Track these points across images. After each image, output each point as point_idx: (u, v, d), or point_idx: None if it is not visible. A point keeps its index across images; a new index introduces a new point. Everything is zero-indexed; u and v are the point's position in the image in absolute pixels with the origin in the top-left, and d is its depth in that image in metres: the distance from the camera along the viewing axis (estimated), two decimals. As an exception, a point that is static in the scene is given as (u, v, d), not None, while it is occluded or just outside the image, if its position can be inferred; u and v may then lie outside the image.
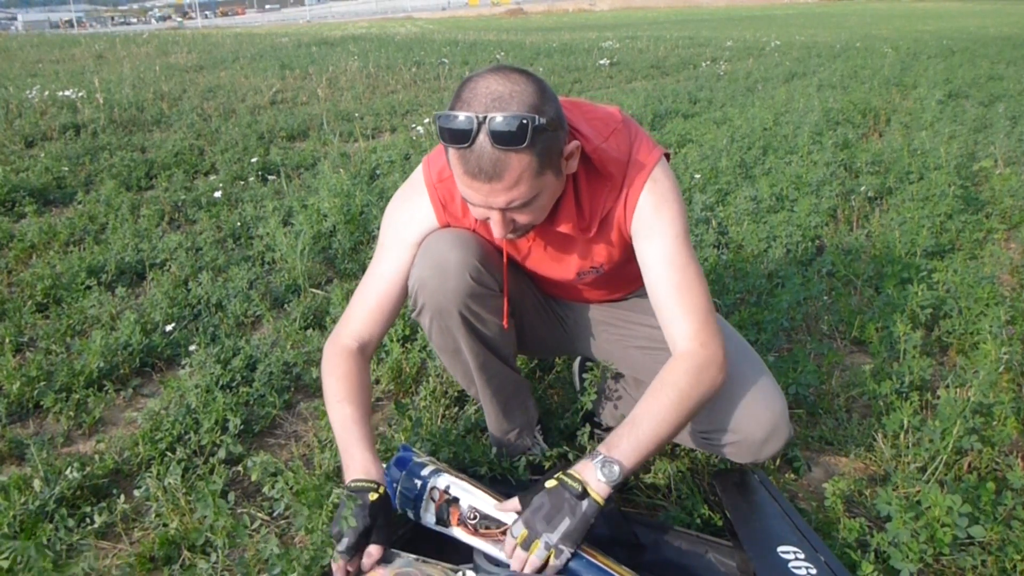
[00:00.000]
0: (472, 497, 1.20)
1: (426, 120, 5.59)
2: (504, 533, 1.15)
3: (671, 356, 1.23)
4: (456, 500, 1.20)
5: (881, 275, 2.55)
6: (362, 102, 6.87)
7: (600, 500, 1.11)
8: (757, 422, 1.29)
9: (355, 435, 1.24)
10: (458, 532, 1.21)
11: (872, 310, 2.30)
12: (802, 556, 1.20)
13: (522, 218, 1.17)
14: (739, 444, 1.33)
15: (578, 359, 1.91)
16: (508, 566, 1.14)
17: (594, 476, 1.12)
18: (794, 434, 1.48)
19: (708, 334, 1.20)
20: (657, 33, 16.36)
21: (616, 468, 1.12)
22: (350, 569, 1.15)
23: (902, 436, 1.64)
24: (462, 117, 1.06)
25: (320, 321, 2.42)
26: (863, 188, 3.53)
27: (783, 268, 2.65)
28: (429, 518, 1.23)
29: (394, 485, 1.26)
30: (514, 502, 1.18)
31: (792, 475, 1.62)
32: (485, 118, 1.05)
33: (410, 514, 1.25)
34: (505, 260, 1.37)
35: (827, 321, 2.28)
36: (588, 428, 1.69)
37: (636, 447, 1.14)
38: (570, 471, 1.14)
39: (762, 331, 2.12)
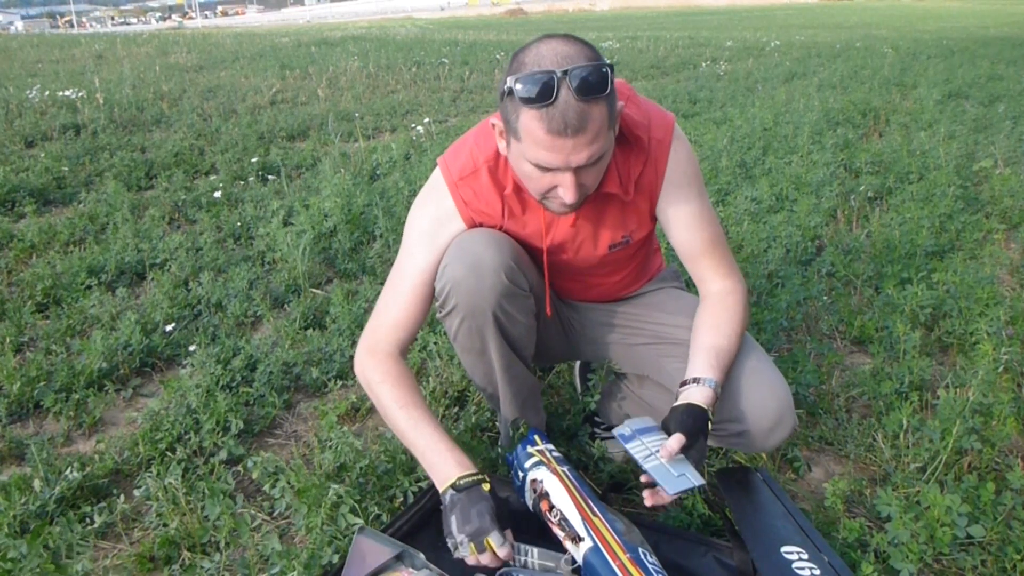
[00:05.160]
0: (558, 497, 1.24)
1: (426, 120, 5.59)
2: (575, 539, 1.19)
3: (713, 293, 1.38)
4: (547, 494, 1.25)
5: (881, 275, 2.55)
6: (362, 102, 6.87)
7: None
8: (763, 411, 1.29)
9: (435, 436, 1.29)
10: (548, 519, 1.26)
11: (872, 310, 2.30)
12: (806, 557, 1.19)
13: (588, 179, 1.18)
14: (746, 434, 1.32)
15: (579, 362, 1.91)
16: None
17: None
18: (797, 424, 1.48)
19: (738, 273, 1.41)
20: (657, 33, 16.35)
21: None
22: (483, 560, 1.19)
23: (902, 436, 1.64)
24: (542, 75, 1.06)
25: (320, 321, 2.42)
26: (863, 188, 3.53)
27: (783, 268, 2.65)
28: (532, 505, 1.30)
29: (511, 468, 1.38)
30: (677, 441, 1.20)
31: (792, 475, 1.62)
32: (566, 72, 1.06)
33: (521, 499, 1.33)
34: (545, 245, 1.37)
35: (827, 321, 2.28)
36: (588, 428, 1.70)
37: (722, 371, 1.29)
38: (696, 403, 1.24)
39: (762, 331, 2.12)
